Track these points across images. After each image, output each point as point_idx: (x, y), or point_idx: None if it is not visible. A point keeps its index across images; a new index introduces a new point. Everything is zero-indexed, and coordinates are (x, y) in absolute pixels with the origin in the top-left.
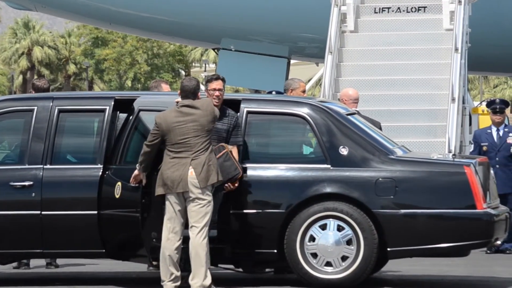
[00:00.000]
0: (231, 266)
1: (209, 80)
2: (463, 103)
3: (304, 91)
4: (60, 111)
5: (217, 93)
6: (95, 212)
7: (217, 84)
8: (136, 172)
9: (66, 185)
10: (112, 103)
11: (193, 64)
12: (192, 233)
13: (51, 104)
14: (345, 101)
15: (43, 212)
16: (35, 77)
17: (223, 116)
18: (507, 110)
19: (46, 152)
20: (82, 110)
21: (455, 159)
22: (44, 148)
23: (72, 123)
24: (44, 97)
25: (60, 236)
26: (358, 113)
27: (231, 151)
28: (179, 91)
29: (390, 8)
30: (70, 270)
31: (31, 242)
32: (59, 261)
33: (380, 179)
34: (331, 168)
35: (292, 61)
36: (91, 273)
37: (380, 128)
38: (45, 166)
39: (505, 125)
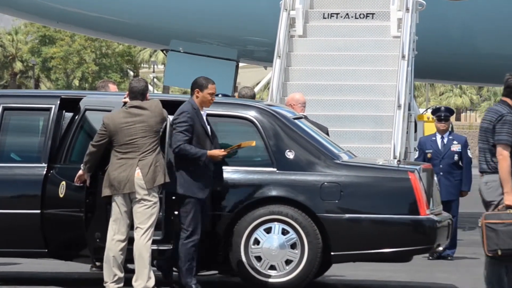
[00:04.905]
0: (175, 268)
1: None
2: (409, 109)
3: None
4: (4, 109)
5: None
6: (38, 211)
7: None
8: (80, 172)
9: (10, 184)
10: (58, 102)
11: (142, 65)
12: (136, 234)
13: None
14: (293, 106)
15: None
16: None
17: (488, 114)
18: (452, 118)
19: None
20: (27, 108)
21: (400, 165)
22: None
23: (17, 122)
24: None
25: (1, 234)
26: (306, 117)
27: None
28: (127, 92)
29: (338, 14)
30: (10, 270)
31: None
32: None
33: (325, 183)
34: (277, 171)
35: (240, 64)
36: (32, 273)
37: (328, 133)
38: None
39: (450, 133)
